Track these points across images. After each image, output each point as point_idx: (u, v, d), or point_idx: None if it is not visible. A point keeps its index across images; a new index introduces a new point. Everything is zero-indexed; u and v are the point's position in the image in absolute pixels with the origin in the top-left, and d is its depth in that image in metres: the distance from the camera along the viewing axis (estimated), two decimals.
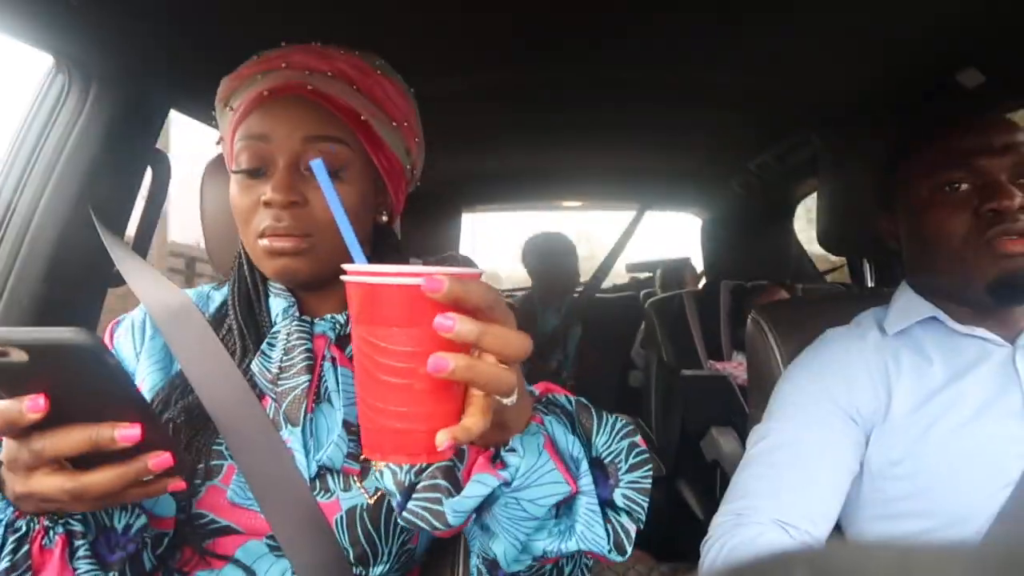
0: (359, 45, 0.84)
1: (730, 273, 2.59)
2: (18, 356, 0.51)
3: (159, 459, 0.58)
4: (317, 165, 0.61)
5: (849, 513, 0.97)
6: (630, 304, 3.63)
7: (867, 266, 2.10)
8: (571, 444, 0.64)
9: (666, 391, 2.62)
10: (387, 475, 0.70)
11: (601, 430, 0.68)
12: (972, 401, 0.91)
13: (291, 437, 0.76)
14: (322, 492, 0.75)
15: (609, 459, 0.67)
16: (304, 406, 0.76)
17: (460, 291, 0.48)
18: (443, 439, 0.49)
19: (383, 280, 0.49)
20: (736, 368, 2.31)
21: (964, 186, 0.93)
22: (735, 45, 1.33)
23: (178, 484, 0.62)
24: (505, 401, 0.53)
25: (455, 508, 0.59)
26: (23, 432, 0.56)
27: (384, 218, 0.88)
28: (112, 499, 0.60)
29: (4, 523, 0.63)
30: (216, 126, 0.88)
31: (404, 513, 0.62)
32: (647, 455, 0.68)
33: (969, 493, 0.87)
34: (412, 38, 1.25)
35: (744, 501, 0.91)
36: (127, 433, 0.56)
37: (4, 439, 0.58)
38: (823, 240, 1.35)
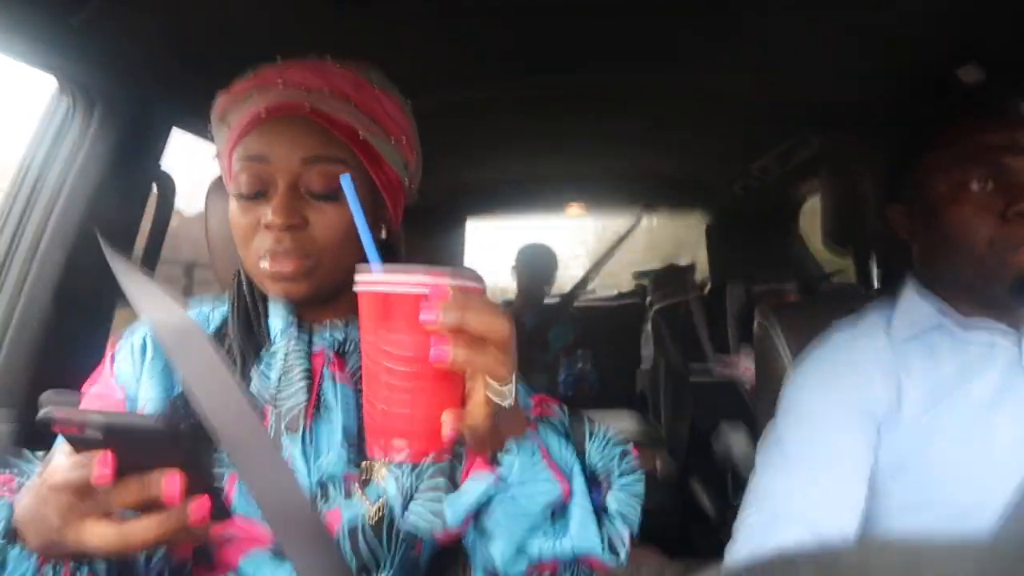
0: (357, 58, 0.83)
1: (735, 276, 2.59)
2: (93, 434, 0.56)
3: (196, 505, 0.60)
4: (346, 180, 0.64)
5: None
6: (634, 310, 3.63)
7: (873, 266, 2.09)
8: (563, 449, 0.68)
9: (675, 396, 2.61)
10: (391, 481, 0.73)
11: (593, 438, 0.72)
12: (981, 399, 0.91)
13: (291, 444, 0.76)
14: (323, 500, 0.75)
15: (601, 464, 0.71)
16: (303, 421, 0.77)
17: (463, 299, 0.53)
18: (447, 419, 0.54)
19: (394, 289, 0.54)
20: (744, 372, 2.30)
21: (990, 185, 0.91)
22: (732, 48, 1.33)
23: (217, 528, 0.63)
24: (503, 404, 0.56)
25: (454, 505, 0.63)
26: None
27: (383, 234, 0.87)
28: (152, 547, 0.61)
29: (31, 572, 0.64)
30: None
31: (406, 515, 0.66)
32: (639, 463, 0.72)
33: (978, 490, 0.87)
34: (411, 50, 1.26)
35: (769, 502, 0.90)
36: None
37: (60, 493, 0.59)
38: (827, 238, 1.35)
